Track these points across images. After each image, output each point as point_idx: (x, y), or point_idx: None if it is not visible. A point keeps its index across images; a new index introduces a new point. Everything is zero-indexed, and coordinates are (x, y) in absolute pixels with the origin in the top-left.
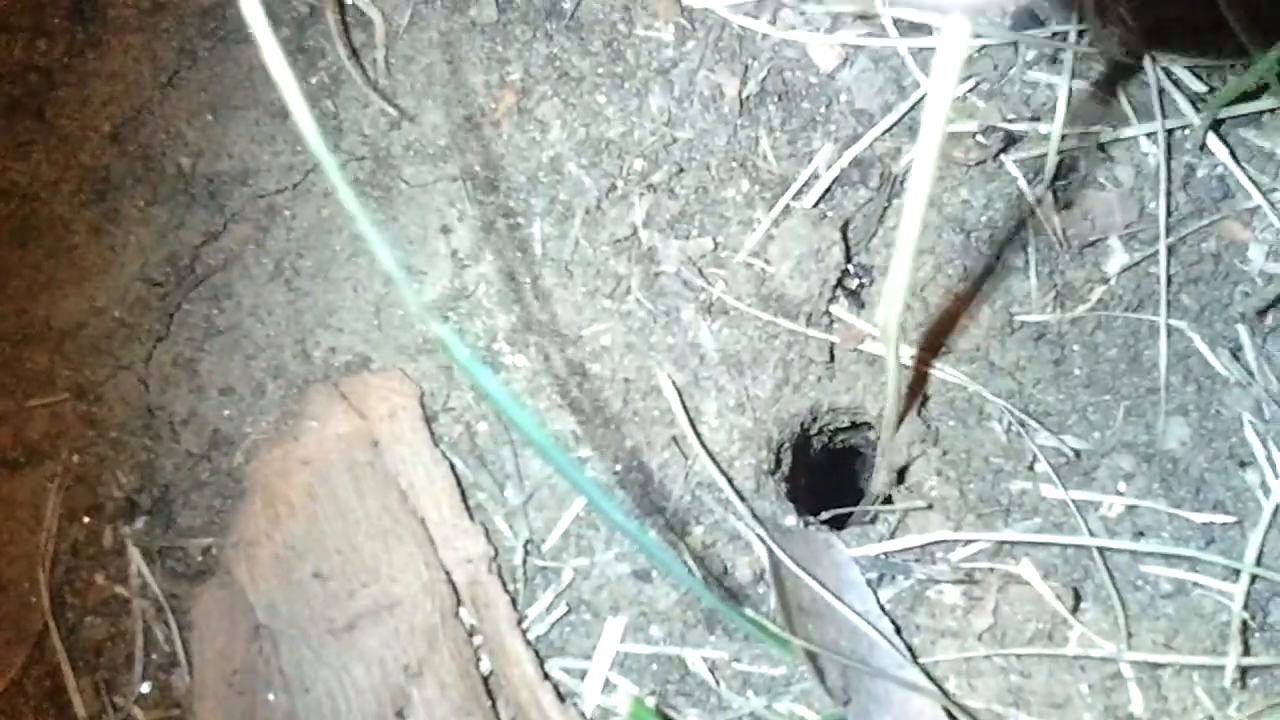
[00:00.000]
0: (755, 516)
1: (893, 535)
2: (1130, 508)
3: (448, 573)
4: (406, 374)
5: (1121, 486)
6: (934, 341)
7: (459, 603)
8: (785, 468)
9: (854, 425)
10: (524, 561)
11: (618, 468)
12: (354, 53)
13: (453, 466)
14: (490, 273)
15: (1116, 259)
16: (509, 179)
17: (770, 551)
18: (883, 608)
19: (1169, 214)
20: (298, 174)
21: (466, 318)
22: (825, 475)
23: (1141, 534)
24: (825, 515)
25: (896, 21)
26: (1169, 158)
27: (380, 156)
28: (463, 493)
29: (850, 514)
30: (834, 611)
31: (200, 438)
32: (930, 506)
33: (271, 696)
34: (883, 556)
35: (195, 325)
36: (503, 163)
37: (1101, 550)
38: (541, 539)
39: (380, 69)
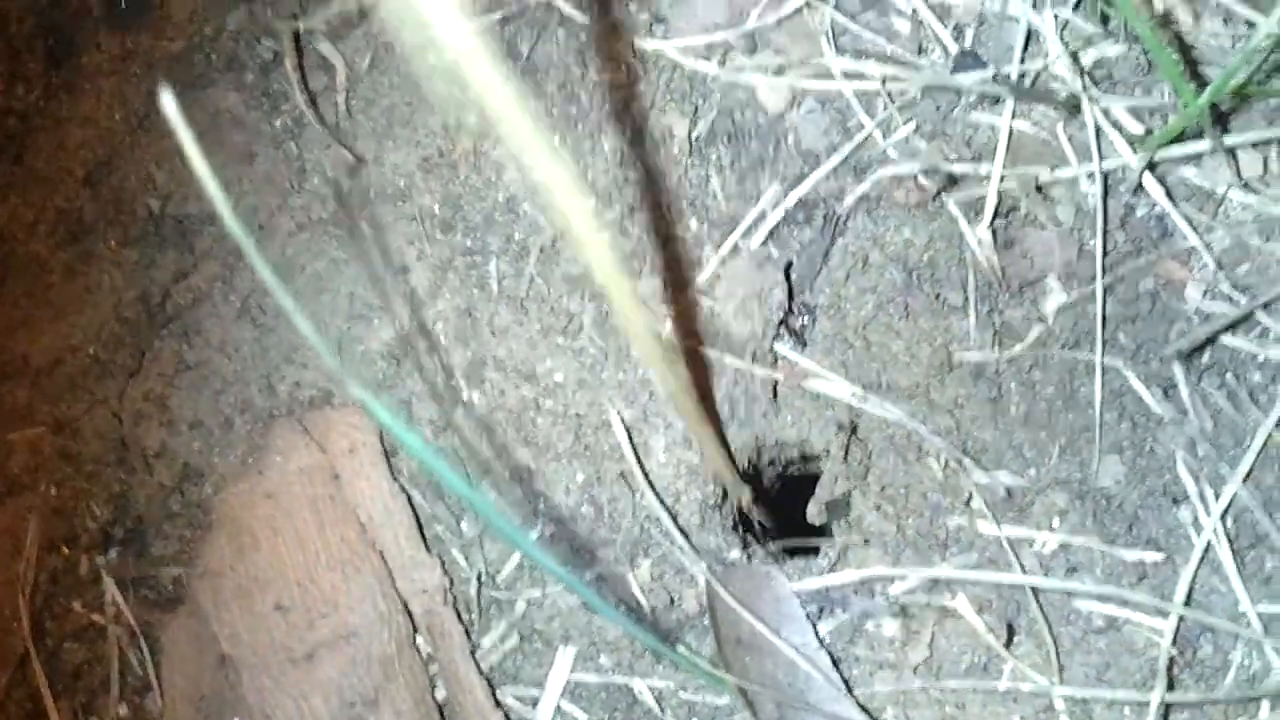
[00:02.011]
0: (697, 550)
1: (833, 568)
2: (1064, 544)
3: (404, 603)
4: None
5: (1056, 523)
6: (874, 379)
7: (415, 632)
8: (732, 504)
9: (804, 458)
10: (479, 592)
11: (570, 501)
12: (314, 99)
13: (410, 500)
14: (448, 310)
15: (1055, 298)
16: (466, 218)
17: (708, 585)
18: (821, 640)
19: (1107, 253)
20: (263, 214)
21: (425, 354)
22: (780, 505)
23: (1075, 570)
24: (773, 546)
25: (840, 62)
26: (1106, 197)
27: (342, 196)
28: (420, 525)
29: (804, 545)
30: (772, 645)
31: (171, 470)
32: (868, 541)
33: None
34: (823, 590)
35: (166, 361)
36: (460, 202)
37: (1035, 588)
38: (496, 570)
39: (342, 112)
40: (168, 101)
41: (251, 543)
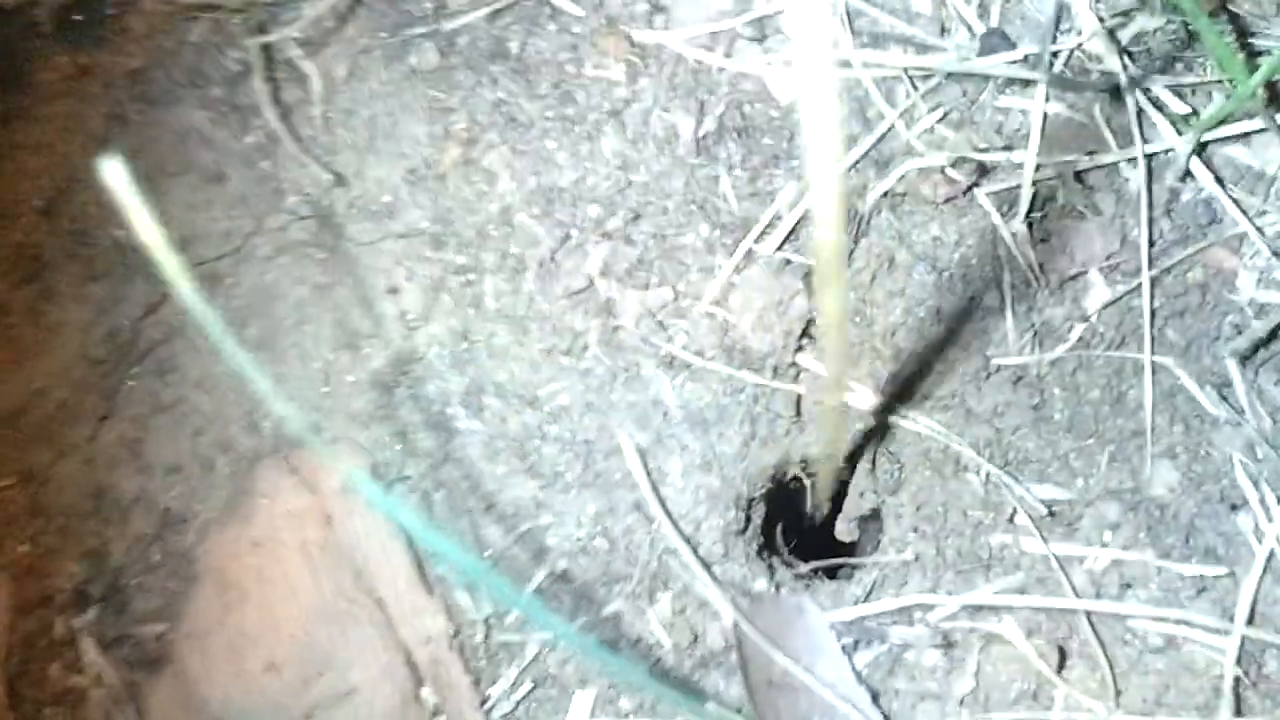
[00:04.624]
0: (720, 583)
1: (869, 596)
2: (1116, 560)
3: (408, 653)
4: (359, 443)
5: (1107, 537)
6: (906, 389)
7: (420, 684)
8: (756, 525)
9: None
10: (486, 636)
11: (581, 534)
12: (287, 113)
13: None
14: (441, 333)
15: (1097, 294)
16: (458, 233)
17: (736, 625)
18: (859, 674)
19: (1152, 243)
20: (237, 239)
21: (418, 382)
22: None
23: (1129, 586)
24: (803, 568)
25: (859, 47)
26: (1151, 183)
27: (324, 215)
28: (420, 567)
29: (838, 565)
30: (806, 685)
31: (150, 518)
32: (905, 565)
33: None
34: (859, 620)
35: (140, 402)
36: (450, 216)
37: (1089, 614)
38: (505, 610)
39: (318, 125)
40: (111, 171)
41: (239, 596)
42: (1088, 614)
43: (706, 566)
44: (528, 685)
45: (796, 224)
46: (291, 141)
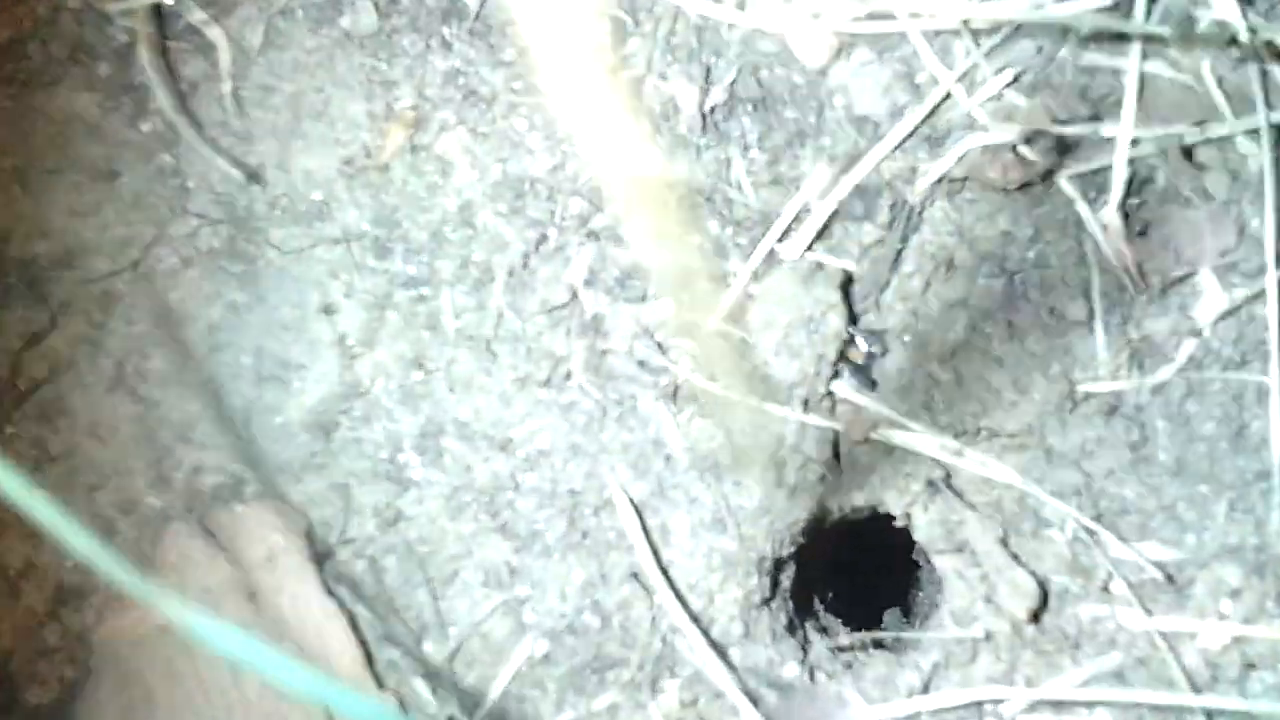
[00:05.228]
0: (735, 671)
1: (927, 686)
2: (1239, 638)
3: None
4: (289, 500)
5: (1226, 607)
6: (970, 424)
7: None
8: (785, 590)
9: (875, 515)
10: None
11: (567, 608)
12: (188, 93)
13: (353, 618)
14: (389, 361)
15: (1211, 301)
16: (406, 237)
17: None
18: None
19: (1279, 236)
20: (135, 250)
21: (362, 422)
22: (852, 573)
23: (1252, 667)
24: (844, 639)
25: None
26: (1277, 161)
27: (240, 218)
28: (368, 651)
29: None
30: None
31: (42, 594)
32: (975, 643)
33: None
34: (913, 717)
35: (23, 453)
36: (397, 216)
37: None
38: (474, 705)
39: (229, 106)
40: None
41: (144, 697)
42: (1206, 712)
43: (720, 651)
44: None
45: (829, 219)
46: (197, 129)
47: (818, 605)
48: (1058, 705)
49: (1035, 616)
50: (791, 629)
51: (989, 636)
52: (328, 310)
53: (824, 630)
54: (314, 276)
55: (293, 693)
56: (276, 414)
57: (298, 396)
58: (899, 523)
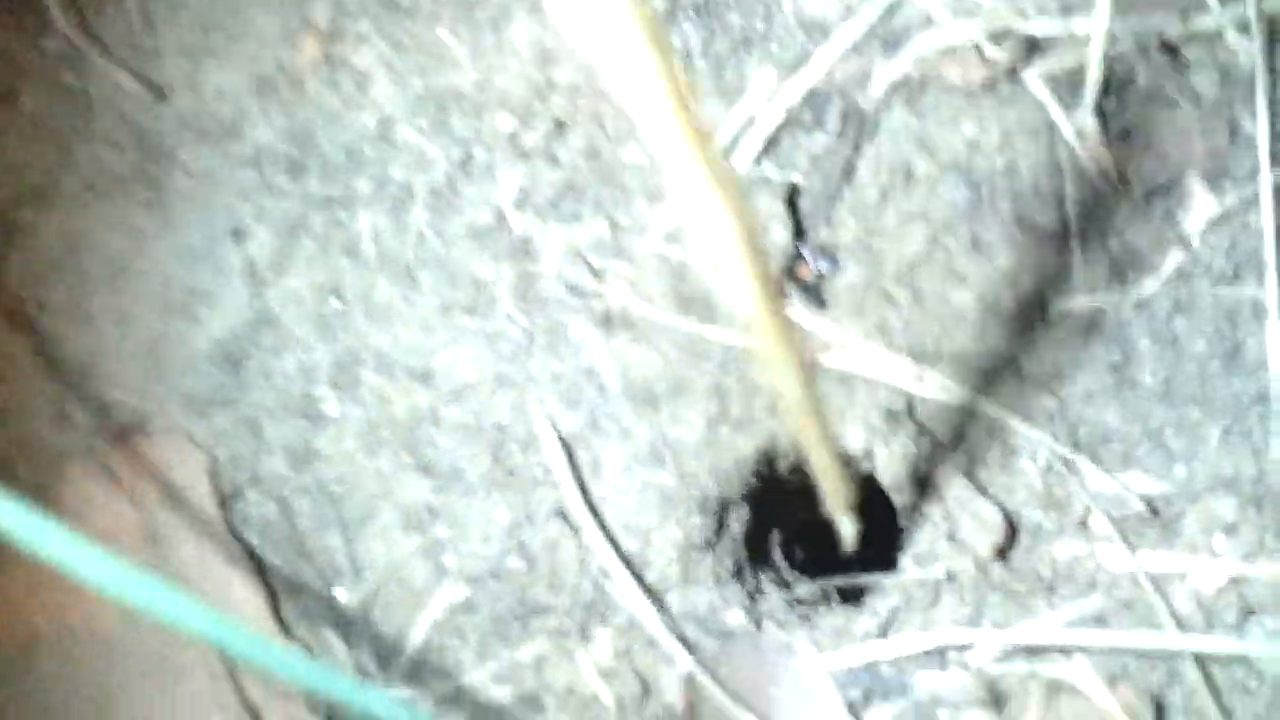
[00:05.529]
0: (670, 616)
1: (885, 631)
2: (1235, 578)
3: (257, 714)
4: (193, 438)
5: (1220, 544)
6: (931, 346)
7: None
8: (736, 535)
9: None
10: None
11: (490, 551)
12: (89, 7)
13: (260, 563)
14: (302, 288)
15: (1199, 208)
16: (323, 156)
17: (690, 678)
18: None
19: (1275, 137)
20: (36, 175)
21: (273, 354)
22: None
23: (1251, 613)
24: (803, 590)
25: None
26: (1270, 55)
27: (148, 141)
28: (275, 598)
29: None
30: None
31: None
32: (936, 586)
33: None
34: (872, 665)
35: None
36: (312, 135)
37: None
38: (389, 655)
39: (135, 22)
40: None
41: (33, 644)
42: (1195, 654)
43: (656, 596)
44: None
45: (777, 130)
46: (101, 47)
47: (778, 558)
48: (1031, 651)
49: (1002, 553)
50: (740, 575)
51: (951, 577)
52: (237, 235)
53: (785, 585)
54: (224, 200)
55: (193, 637)
56: (182, 345)
57: (205, 327)
58: (861, 462)
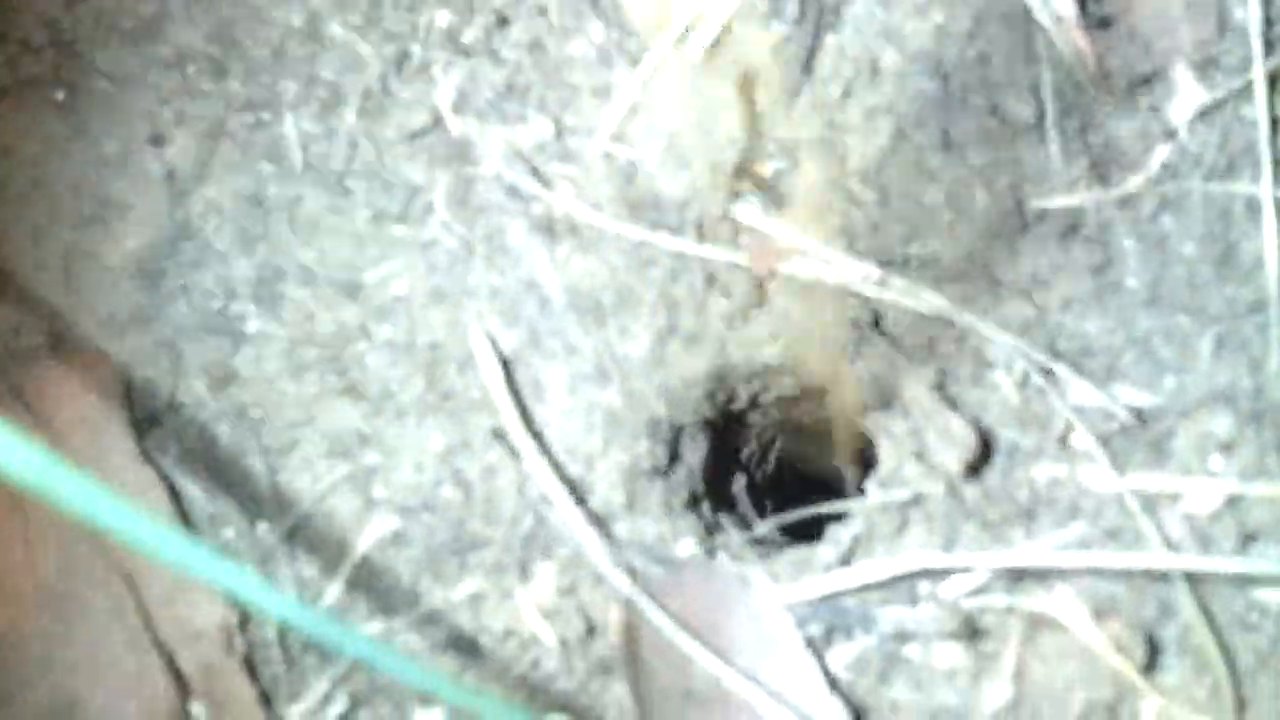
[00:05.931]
0: (613, 544)
1: (847, 559)
2: (1232, 497)
3: (169, 654)
4: (108, 359)
5: (1216, 463)
6: (898, 250)
7: (186, 698)
8: (694, 467)
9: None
10: (284, 633)
11: (423, 480)
12: None
13: (177, 494)
14: (223, 197)
15: (1187, 98)
16: (245, 55)
17: (627, 603)
18: (832, 680)
19: (1268, 23)
20: None
21: (192, 268)
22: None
23: (1252, 538)
24: (762, 526)
25: None
26: None
27: (63, 41)
28: (193, 530)
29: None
30: (745, 698)
31: None
32: (903, 510)
33: None
34: (832, 597)
35: None
36: (234, 32)
37: (1189, 573)
38: (315, 593)
39: None
40: None
41: None
42: (1188, 578)
43: (601, 523)
44: (343, 703)
45: (733, 16)
46: None
47: (742, 500)
48: (1011, 581)
49: (974, 470)
50: (695, 507)
51: (920, 501)
52: (156, 141)
53: (747, 526)
54: (141, 104)
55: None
56: (96, 259)
57: (120, 239)
58: (823, 384)
